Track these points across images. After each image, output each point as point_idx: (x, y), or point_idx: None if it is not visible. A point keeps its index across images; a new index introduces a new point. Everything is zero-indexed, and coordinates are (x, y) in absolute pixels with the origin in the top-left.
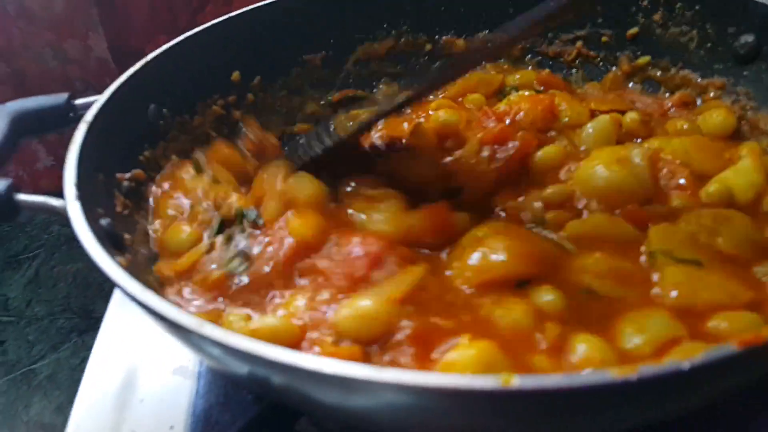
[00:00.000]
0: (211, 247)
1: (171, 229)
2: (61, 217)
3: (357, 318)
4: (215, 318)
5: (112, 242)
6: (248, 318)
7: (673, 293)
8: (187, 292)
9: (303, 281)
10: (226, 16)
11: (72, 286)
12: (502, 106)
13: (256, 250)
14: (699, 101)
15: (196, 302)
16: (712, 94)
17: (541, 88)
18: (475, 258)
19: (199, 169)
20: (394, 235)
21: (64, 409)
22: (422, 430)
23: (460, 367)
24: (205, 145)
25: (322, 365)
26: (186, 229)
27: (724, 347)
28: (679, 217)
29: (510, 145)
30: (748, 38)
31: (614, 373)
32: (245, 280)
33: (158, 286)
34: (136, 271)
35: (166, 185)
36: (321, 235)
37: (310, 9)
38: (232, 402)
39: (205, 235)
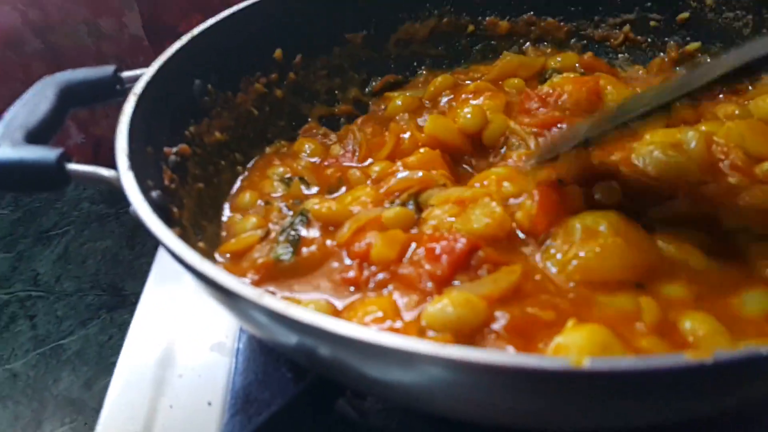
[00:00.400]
0: (266, 236)
1: (243, 218)
2: (101, 192)
3: (446, 309)
4: None
5: (163, 214)
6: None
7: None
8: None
9: (388, 287)
10: None
11: (101, 263)
12: (545, 88)
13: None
14: (750, 87)
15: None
16: (766, 81)
17: (583, 71)
18: (586, 255)
19: (286, 182)
20: (496, 235)
21: (91, 384)
22: (478, 410)
23: (575, 350)
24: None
25: (391, 341)
26: (253, 220)
27: None
28: (737, 195)
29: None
30: None
31: (688, 357)
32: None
33: (208, 257)
34: (186, 241)
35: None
36: (402, 251)
37: None
38: (271, 380)
39: (273, 228)
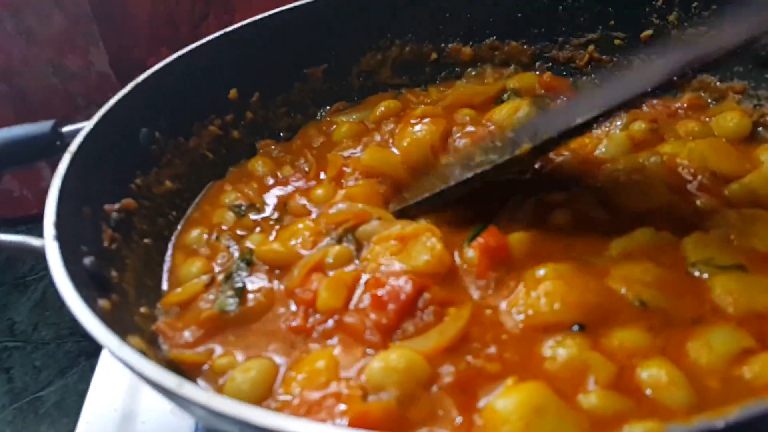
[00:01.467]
0: (212, 282)
1: (187, 262)
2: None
3: (388, 373)
4: (206, 357)
5: (96, 283)
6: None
7: (730, 303)
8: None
9: (332, 338)
10: (220, 32)
11: None
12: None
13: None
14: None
15: (186, 338)
16: (731, 99)
17: (544, 92)
18: (529, 301)
19: (237, 211)
20: (436, 272)
21: None
22: None
23: (506, 416)
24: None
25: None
26: (198, 263)
27: None
28: (705, 219)
29: None
30: None
31: None
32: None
33: (149, 322)
34: (123, 311)
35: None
36: (349, 297)
37: (310, 21)
38: None
39: (217, 270)
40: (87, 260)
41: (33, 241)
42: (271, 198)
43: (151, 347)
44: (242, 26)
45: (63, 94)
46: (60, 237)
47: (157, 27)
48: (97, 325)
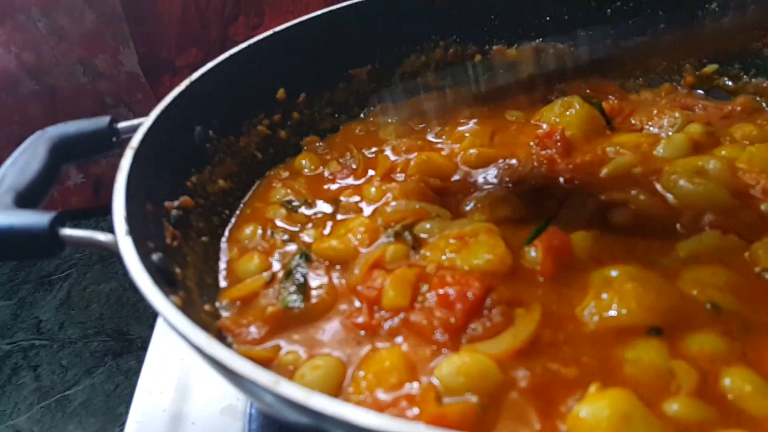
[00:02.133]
0: (273, 279)
1: (244, 258)
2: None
3: (463, 374)
4: (274, 354)
5: (165, 279)
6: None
7: None
8: (245, 321)
9: (396, 334)
10: (268, 33)
11: (105, 306)
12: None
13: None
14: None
15: (253, 334)
16: None
17: (588, 91)
18: (602, 303)
19: (288, 206)
20: (498, 271)
21: None
22: None
23: (593, 424)
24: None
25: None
26: (256, 259)
27: None
28: None
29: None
30: None
31: None
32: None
33: (213, 319)
34: (190, 309)
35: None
36: (414, 295)
37: (353, 22)
38: None
39: (275, 266)
40: (155, 257)
41: (101, 236)
42: (321, 194)
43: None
44: (291, 26)
45: (92, 93)
46: (132, 233)
47: (187, 28)
48: (185, 322)
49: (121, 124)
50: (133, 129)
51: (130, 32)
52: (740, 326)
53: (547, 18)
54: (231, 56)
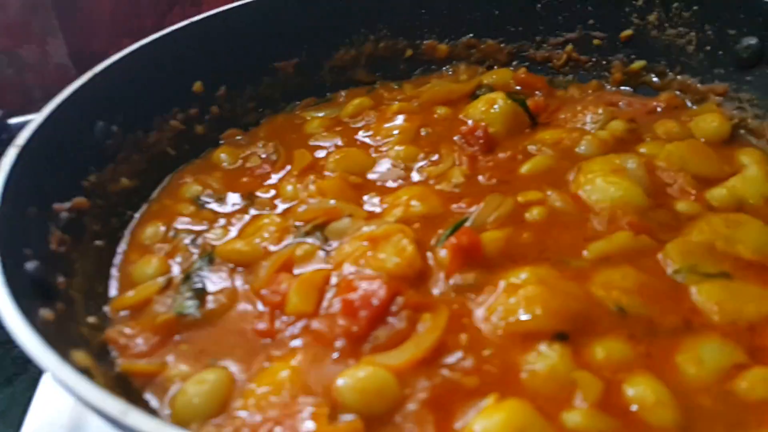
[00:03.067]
0: (169, 284)
1: (141, 261)
2: None
3: (359, 390)
4: (160, 368)
5: (39, 290)
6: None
7: (715, 313)
8: (131, 332)
9: (296, 342)
10: (185, 22)
11: None
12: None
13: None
14: (689, 104)
15: (140, 346)
16: (712, 101)
17: (519, 88)
18: (508, 307)
19: (198, 203)
20: (406, 274)
21: None
22: None
23: None
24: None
25: None
26: (154, 262)
27: None
28: (686, 224)
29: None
30: (751, 41)
31: None
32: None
33: (97, 331)
34: (68, 322)
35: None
36: (319, 300)
37: (282, 12)
38: None
39: (175, 269)
40: (30, 265)
41: None
42: (236, 189)
43: (98, 362)
44: (209, 16)
45: (18, 86)
46: (1, 239)
47: (120, 18)
48: (34, 341)
49: (13, 120)
50: (25, 125)
51: (59, 22)
52: (645, 329)
53: (478, 14)
54: (142, 47)
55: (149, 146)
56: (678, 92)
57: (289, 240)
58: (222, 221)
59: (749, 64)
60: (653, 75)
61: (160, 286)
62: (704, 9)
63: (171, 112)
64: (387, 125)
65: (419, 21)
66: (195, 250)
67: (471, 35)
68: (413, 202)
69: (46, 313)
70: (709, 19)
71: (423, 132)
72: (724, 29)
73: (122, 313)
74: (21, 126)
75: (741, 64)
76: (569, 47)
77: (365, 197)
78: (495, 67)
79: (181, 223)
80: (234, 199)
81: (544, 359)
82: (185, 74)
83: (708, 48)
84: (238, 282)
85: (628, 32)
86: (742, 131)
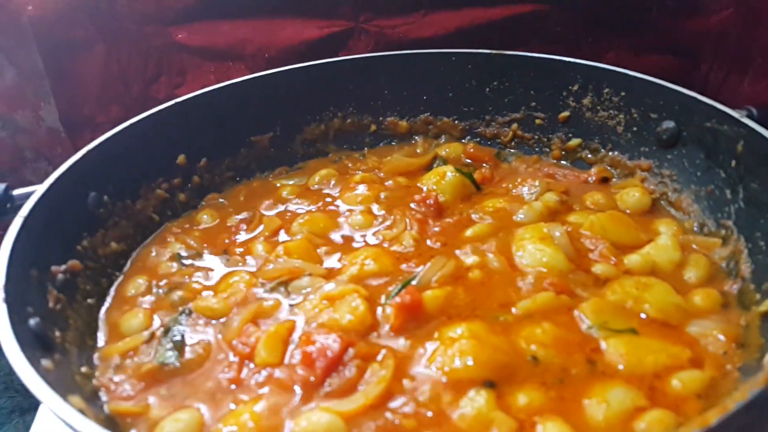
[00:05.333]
0: (152, 337)
1: (128, 315)
2: None
3: None
4: (144, 409)
5: (40, 343)
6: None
7: (621, 363)
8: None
9: (262, 389)
10: (171, 102)
11: None
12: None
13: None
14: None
15: (127, 390)
16: (638, 175)
17: (469, 161)
18: (445, 358)
19: (181, 263)
20: (358, 330)
21: None
22: None
23: None
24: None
25: None
26: (140, 316)
27: None
28: (603, 286)
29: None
30: (669, 124)
31: None
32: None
33: (89, 379)
34: (64, 371)
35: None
36: (285, 351)
37: (258, 93)
38: None
39: (156, 322)
40: (32, 321)
41: None
42: (213, 247)
43: (90, 406)
44: (193, 96)
45: (11, 148)
46: (9, 299)
47: (108, 85)
48: (42, 386)
49: (16, 191)
50: (28, 196)
51: (51, 89)
52: (558, 377)
53: (434, 95)
54: (131, 125)
55: (136, 213)
56: (609, 167)
57: (258, 295)
58: (200, 276)
59: (668, 145)
60: (588, 151)
61: (144, 340)
62: (630, 95)
63: (157, 182)
64: (350, 194)
65: (382, 101)
66: (175, 303)
67: (428, 113)
68: (368, 262)
69: (46, 363)
70: (635, 104)
71: (382, 196)
72: (647, 113)
73: (111, 361)
74: (23, 197)
75: (662, 144)
76: (515, 126)
77: (327, 257)
78: (449, 140)
79: (163, 278)
80: (211, 257)
81: (473, 403)
82: (170, 149)
83: (634, 129)
84: (213, 334)
85: (565, 113)
86: (663, 203)
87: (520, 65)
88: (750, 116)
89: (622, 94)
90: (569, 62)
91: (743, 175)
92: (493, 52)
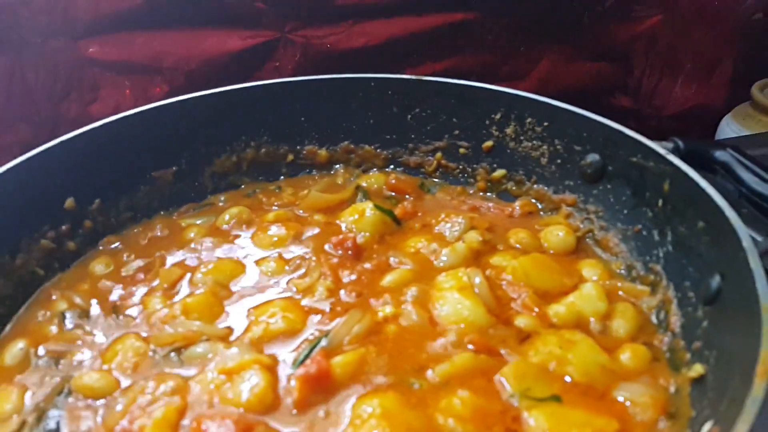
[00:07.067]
0: (23, 426)
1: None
2: None
3: None
4: None
5: None
6: None
7: None
8: None
9: None
10: (54, 141)
11: None
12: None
13: None
14: (544, 212)
15: None
16: (563, 210)
17: (392, 193)
18: None
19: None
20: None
21: None
22: None
23: None
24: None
25: None
26: (13, 397)
27: None
28: (526, 342)
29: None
30: (594, 157)
31: None
32: None
33: None
34: None
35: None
36: None
37: (160, 122)
38: None
39: (28, 404)
40: None
41: None
42: (103, 304)
43: None
44: (81, 133)
45: None
46: None
47: (14, 103)
48: None
49: None
50: None
51: None
52: None
53: (355, 122)
54: (9, 170)
55: (16, 269)
56: (534, 200)
57: (148, 365)
58: (84, 342)
59: (593, 179)
60: (513, 183)
61: (13, 430)
62: (554, 125)
63: (41, 231)
64: (262, 235)
65: (299, 128)
66: (54, 379)
67: (349, 141)
68: (273, 320)
69: None
70: (558, 135)
71: (297, 238)
72: (571, 145)
73: None
74: None
75: (586, 178)
76: (439, 155)
77: (230, 310)
78: (371, 168)
79: (44, 344)
80: (99, 317)
81: None
82: (56, 192)
83: (559, 161)
84: (93, 419)
85: (489, 143)
86: (589, 241)
87: (440, 92)
88: (676, 149)
89: (545, 124)
90: (490, 90)
91: (671, 216)
92: (412, 78)
